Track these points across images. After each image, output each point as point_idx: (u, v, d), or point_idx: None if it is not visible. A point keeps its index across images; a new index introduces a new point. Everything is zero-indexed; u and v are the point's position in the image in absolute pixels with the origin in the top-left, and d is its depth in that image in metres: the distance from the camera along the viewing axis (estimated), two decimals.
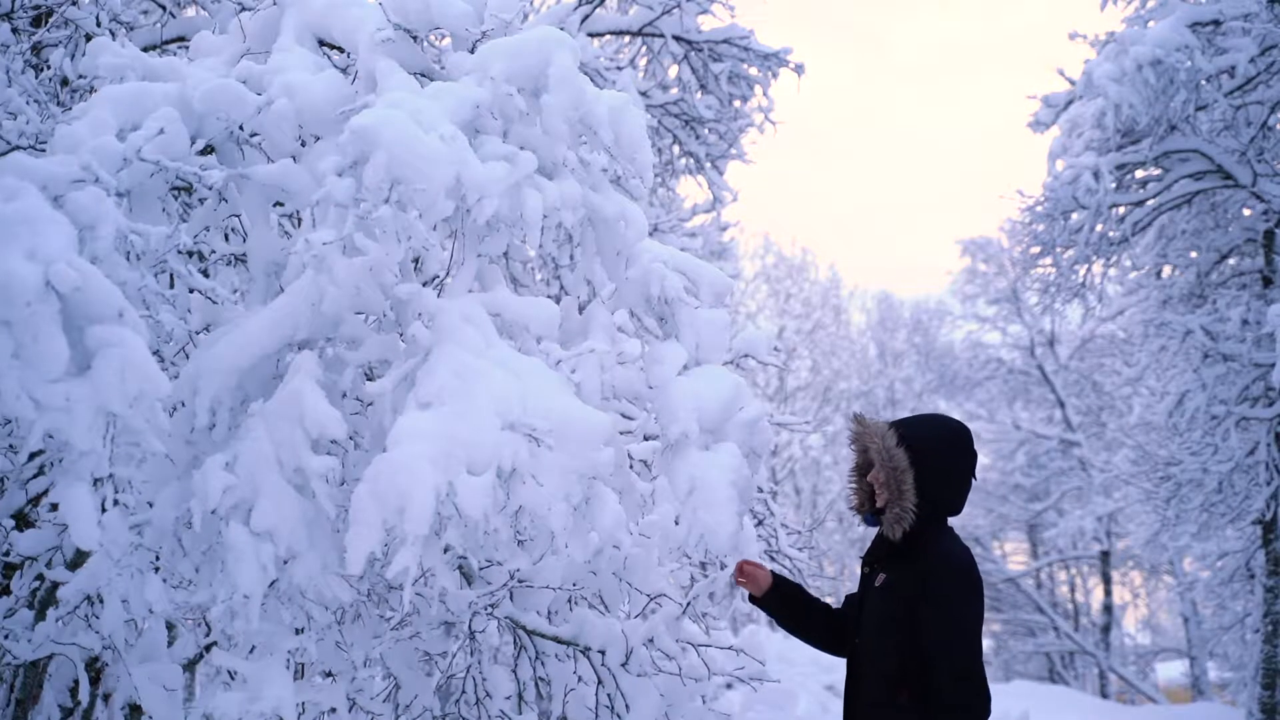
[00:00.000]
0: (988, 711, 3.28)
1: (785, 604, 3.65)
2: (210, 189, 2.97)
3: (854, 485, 3.57)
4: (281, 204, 3.18)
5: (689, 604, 3.93)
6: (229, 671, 2.94)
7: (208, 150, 3.13)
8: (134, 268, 2.69)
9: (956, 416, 28.15)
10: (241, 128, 3.09)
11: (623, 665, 3.87)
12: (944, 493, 3.38)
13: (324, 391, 2.74)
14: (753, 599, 3.69)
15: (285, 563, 2.68)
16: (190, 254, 3.73)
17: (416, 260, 3.39)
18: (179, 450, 2.86)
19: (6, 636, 3.93)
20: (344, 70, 3.33)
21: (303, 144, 3.13)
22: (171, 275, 3.17)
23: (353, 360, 2.86)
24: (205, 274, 3.99)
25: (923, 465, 3.34)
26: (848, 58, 73.63)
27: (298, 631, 2.96)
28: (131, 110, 2.97)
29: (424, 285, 3.12)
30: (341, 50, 3.43)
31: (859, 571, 3.61)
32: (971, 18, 79.33)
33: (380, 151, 2.70)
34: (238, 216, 3.17)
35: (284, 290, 2.88)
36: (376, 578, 3.54)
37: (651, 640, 3.89)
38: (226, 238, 3.38)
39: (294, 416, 2.67)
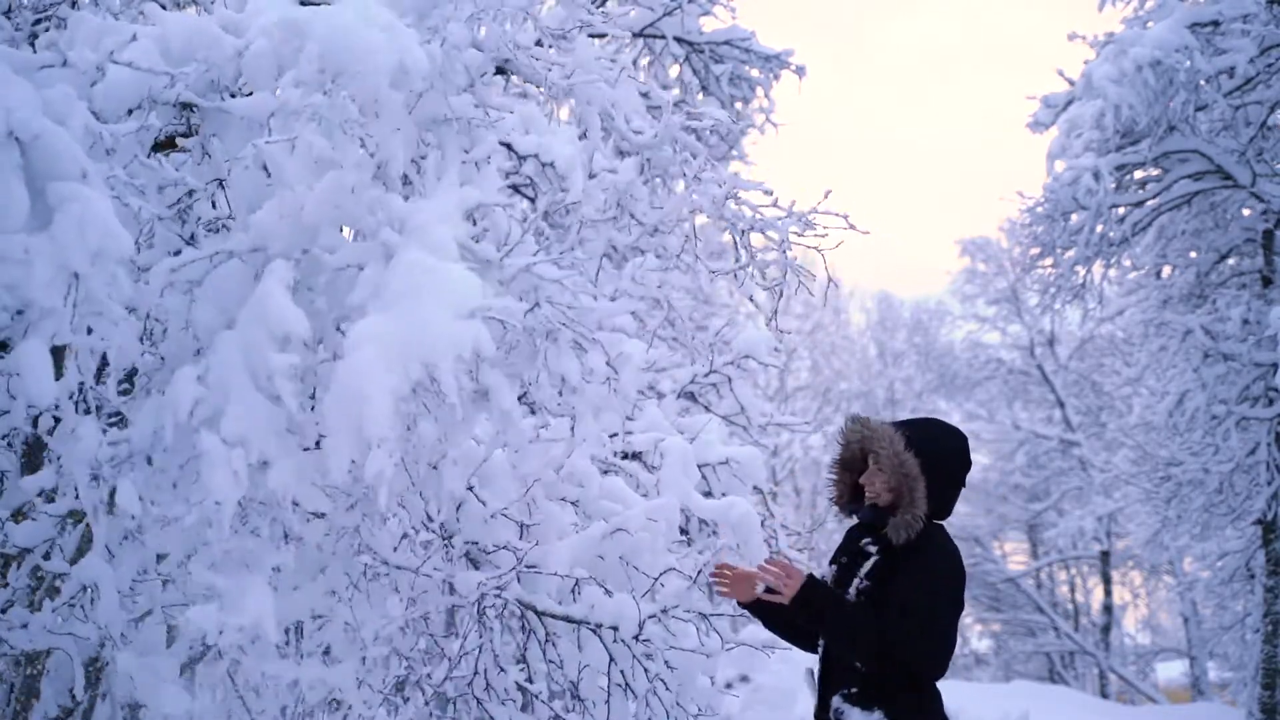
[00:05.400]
0: (920, 668, 3.29)
1: (773, 613, 3.60)
2: (185, 135, 2.95)
3: (835, 478, 3.59)
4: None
5: (695, 579, 3.96)
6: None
7: (188, 107, 3.12)
8: (105, 161, 2.68)
9: (956, 416, 28.21)
10: (221, 83, 3.08)
11: (635, 638, 3.89)
12: (946, 500, 3.42)
13: (309, 305, 2.76)
14: (740, 603, 3.65)
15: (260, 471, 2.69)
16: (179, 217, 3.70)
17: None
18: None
19: (8, 629, 3.93)
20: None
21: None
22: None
23: (330, 264, 2.86)
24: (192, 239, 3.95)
25: (933, 473, 3.37)
26: (847, 59, 73.70)
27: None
28: (109, 41, 2.98)
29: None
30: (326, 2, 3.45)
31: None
32: (970, 19, 79.41)
33: (311, 44, 2.72)
34: (220, 181, 3.15)
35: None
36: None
37: (665, 610, 3.90)
38: (214, 204, 3.37)
39: (260, 318, 2.69)
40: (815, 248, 4.38)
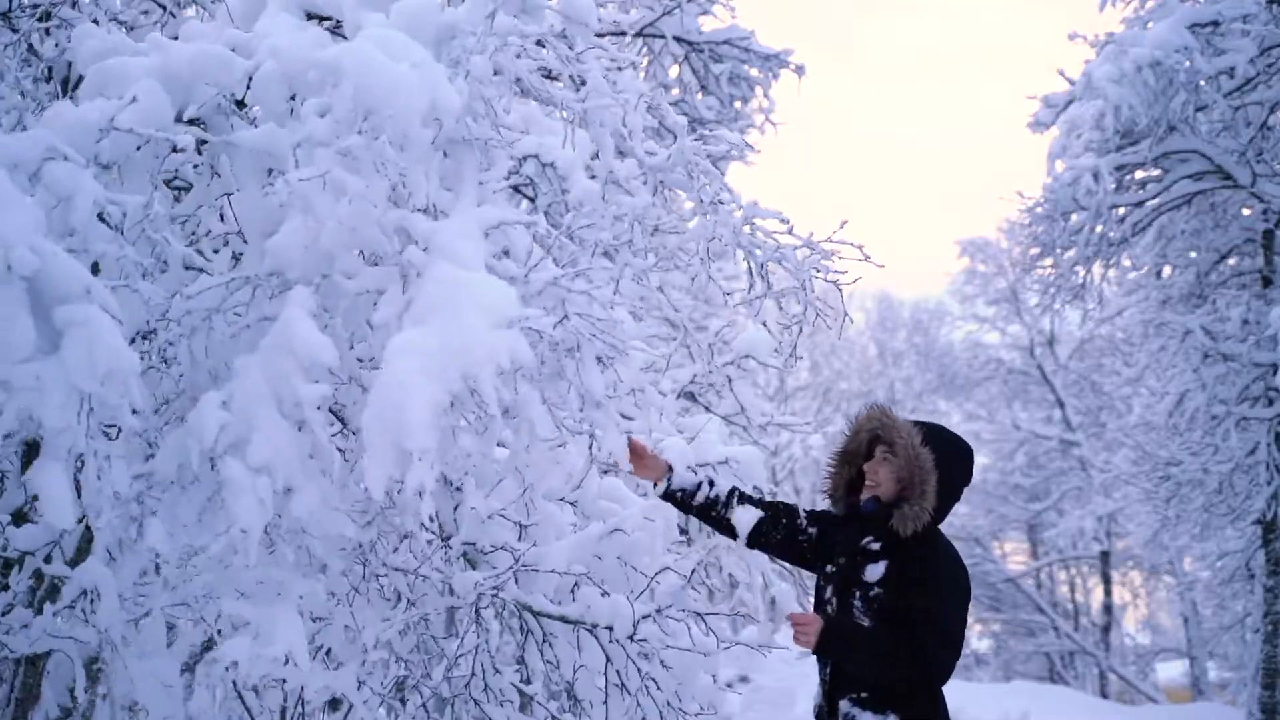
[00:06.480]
0: (944, 679, 3.38)
1: (684, 501, 3.72)
2: (195, 153, 2.97)
3: (834, 468, 3.60)
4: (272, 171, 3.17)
5: (691, 573, 3.96)
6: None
7: (197, 122, 3.11)
8: (114, 240, 2.69)
9: (956, 416, 28.19)
10: (231, 98, 3.07)
11: (630, 638, 3.89)
12: (948, 501, 3.45)
13: (322, 329, 2.74)
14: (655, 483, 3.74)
15: (284, 495, 2.68)
16: (192, 235, 3.71)
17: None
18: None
19: (7, 632, 3.92)
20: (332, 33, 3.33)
21: (294, 112, 3.11)
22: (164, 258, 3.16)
23: (350, 290, 2.85)
24: (200, 253, 3.96)
25: (944, 471, 3.40)
26: (847, 58, 73.69)
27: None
28: (113, 85, 2.97)
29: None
30: (331, 19, 3.45)
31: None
32: (971, 19, 79.37)
33: (346, 82, 2.71)
34: (230, 195, 3.16)
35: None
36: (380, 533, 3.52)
37: (660, 610, 3.90)
38: (222, 217, 3.37)
39: (285, 347, 2.67)
40: (834, 282, 4.36)
